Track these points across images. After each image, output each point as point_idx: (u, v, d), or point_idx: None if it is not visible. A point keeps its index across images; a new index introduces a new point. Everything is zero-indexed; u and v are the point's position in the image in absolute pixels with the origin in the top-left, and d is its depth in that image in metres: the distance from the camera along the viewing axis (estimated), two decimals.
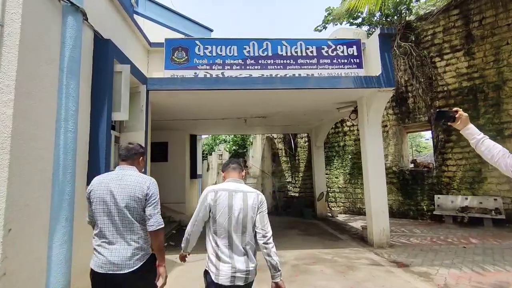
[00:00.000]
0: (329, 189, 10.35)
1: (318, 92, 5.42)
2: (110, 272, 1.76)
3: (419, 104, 8.41)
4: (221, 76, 5.36)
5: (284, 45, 5.58)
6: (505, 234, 5.98)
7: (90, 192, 1.89)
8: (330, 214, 9.64)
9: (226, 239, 1.84)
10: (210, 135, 18.50)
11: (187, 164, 9.62)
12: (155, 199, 1.89)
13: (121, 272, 1.77)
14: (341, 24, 10.36)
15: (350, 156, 10.07)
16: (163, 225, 1.94)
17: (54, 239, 2.62)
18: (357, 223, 8.05)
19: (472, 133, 1.72)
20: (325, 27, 10.79)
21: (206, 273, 1.89)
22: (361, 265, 4.48)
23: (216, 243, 1.86)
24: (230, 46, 5.48)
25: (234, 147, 14.17)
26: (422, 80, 8.27)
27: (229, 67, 5.44)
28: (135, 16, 6.77)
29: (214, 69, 5.41)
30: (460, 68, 7.67)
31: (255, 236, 1.91)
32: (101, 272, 1.78)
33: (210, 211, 1.88)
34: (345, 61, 5.64)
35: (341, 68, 5.60)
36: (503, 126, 6.81)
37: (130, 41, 4.77)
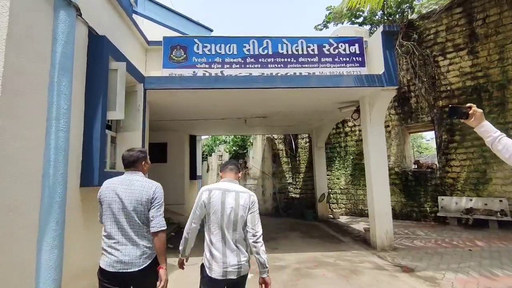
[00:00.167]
0: (330, 190, 10.21)
1: (320, 91, 5.29)
2: (120, 271, 1.89)
3: (421, 104, 8.29)
4: (220, 75, 5.25)
5: (285, 43, 5.46)
6: (511, 236, 5.84)
7: (100, 196, 2.04)
8: (331, 216, 9.50)
9: (219, 235, 1.97)
10: (210, 136, 18.38)
11: (186, 165, 9.50)
12: (159, 202, 2.02)
13: (130, 270, 1.89)
14: (342, 23, 10.25)
15: (351, 157, 9.93)
16: (165, 227, 2.02)
17: (43, 243, 2.50)
18: (359, 225, 7.91)
19: (487, 130, 1.60)
20: (326, 26, 10.67)
21: (202, 267, 2.02)
22: (364, 269, 4.34)
23: (210, 239, 1.99)
24: (229, 45, 5.36)
25: (234, 148, 14.04)
26: (425, 79, 8.15)
27: (228, 65, 5.32)
28: (134, 15, 6.67)
29: (213, 68, 5.30)
30: (463, 67, 7.55)
31: (245, 233, 2.03)
32: (112, 271, 1.90)
33: (205, 209, 2.01)
34: (347, 59, 5.52)
35: (343, 67, 5.48)
36: (509, 126, 6.67)
37: (127, 38, 4.66)
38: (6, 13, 2.27)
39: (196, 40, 5.35)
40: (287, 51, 5.45)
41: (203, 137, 15.62)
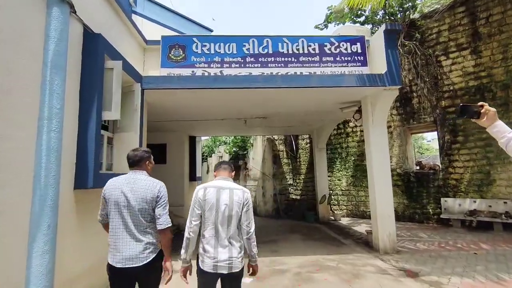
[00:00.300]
0: (331, 191, 10.10)
1: (321, 91, 5.19)
2: (126, 266, 1.99)
3: (424, 104, 8.17)
4: (219, 74, 5.15)
5: (285, 42, 5.37)
6: None
7: (105, 194, 2.12)
8: (332, 218, 9.38)
9: (212, 231, 2.05)
10: (210, 137, 18.28)
11: (186, 166, 9.40)
12: (164, 200, 2.14)
13: (135, 265, 1.99)
14: (343, 23, 10.15)
15: (353, 158, 9.82)
16: (170, 224, 2.16)
17: (34, 248, 2.40)
18: (361, 227, 7.80)
19: (501, 131, 1.49)
20: (326, 26, 10.58)
21: (197, 258, 2.12)
22: (367, 273, 4.23)
23: (204, 234, 2.07)
24: (229, 44, 5.27)
25: (234, 149, 13.94)
26: (427, 79, 8.04)
27: (228, 65, 5.23)
28: (133, 16, 6.58)
29: (213, 67, 5.21)
30: (466, 67, 7.44)
31: (239, 229, 2.12)
32: (119, 266, 2.00)
33: (201, 206, 2.09)
34: (349, 58, 5.42)
35: (345, 66, 5.39)
36: None
37: (124, 37, 4.57)
38: None
39: (195, 39, 5.26)
40: (287, 50, 5.36)
41: (203, 138, 15.53)
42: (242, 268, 2.10)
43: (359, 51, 5.45)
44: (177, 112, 6.49)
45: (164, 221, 2.08)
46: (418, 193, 8.12)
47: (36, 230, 2.42)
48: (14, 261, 2.28)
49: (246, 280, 3.94)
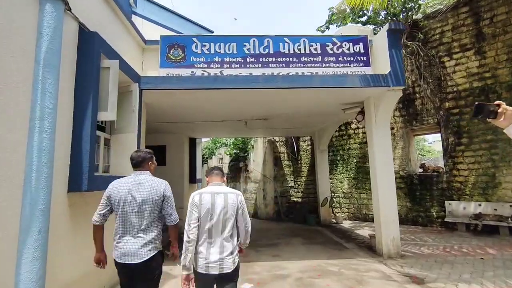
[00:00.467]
0: (333, 194, 9.97)
1: (323, 92, 5.09)
2: (126, 262, 2.12)
3: (427, 106, 8.06)
4: (219, 75, 5.06)
5: (286, 42, 5.27)
6: None
7: (110, 194, 2.20)
8: (334, 221, 9.25)
9: (207, 233, 2.14)
10: (210, 139, 18.19)
11: (186, 168, 9.29)
12: (171, 199, 2.30)
13: (134, 262, 2.11)
14: (345, 25, 10.07)
15: (355, 160, 9.70)
16: (179, 220, 2.37)
17: (24, 254, 2.29)
18: (363, 231, 7.67)
19: None
20: (328, 28, 10.49)
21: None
22: (371, 278, 4.10)
23: (199, 238, 2.14)
24: (229, 44, 5.17)
25: (235, 151, 13.83)
26: (430, 80, 7.93)
27: (228, 65, 5.13)
28: (133, 17, 6.51)
29: (212, 68, 5.11)
30: (470, 68, 7.33)
31: (237, 230, 2.27)
32: (120, 262, 2.14)
33: (198, 210, 2.16)
34: (351, 59, 5.32)
35: (347, 66, 5.28)
36: None
37: (122, 36, 4.48)
38: None
39: (194, 39, 5.17)
40: (289, 50, 5.26)
41: (203, 139, 15.44)
42: (235, 270, 2.16)
43: (362, 51, 5.35)
44: (177, 113, 6.40)
45: (174, 218, 2.31)
46: (421, 196, 7.98)
47: (26, 235, 2.31)
48: (2, 268, 2.17)
49: (246, 286, 3.82)
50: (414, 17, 8.51)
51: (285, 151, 11.57)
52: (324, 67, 5.25)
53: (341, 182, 10.08)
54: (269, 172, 11.24)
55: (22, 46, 2.42)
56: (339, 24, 10.13)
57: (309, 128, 9.12)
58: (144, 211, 2.17)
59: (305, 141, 11.13)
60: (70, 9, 2.98)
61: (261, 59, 5.20)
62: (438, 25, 7.94)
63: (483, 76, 7.11)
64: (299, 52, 5.27)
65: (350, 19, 9.44)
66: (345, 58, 5.31)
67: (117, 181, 2.26)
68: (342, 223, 9.04)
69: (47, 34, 2.58)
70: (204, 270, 2.08)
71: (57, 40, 2.67)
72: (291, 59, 5.24)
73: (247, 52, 5.20)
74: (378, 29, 8.72)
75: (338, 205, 10.02)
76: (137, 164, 2.32)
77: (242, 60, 5.17)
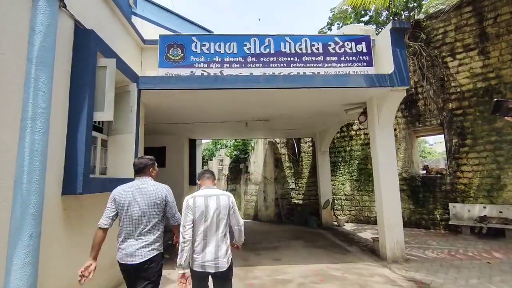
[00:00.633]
0: (334, 196, 9.84)
1: (325, 92, 4.99)
2: (127, 262, 2.22)
3: (430, 107, 7.95)
4: (219, 74, 4.96)
5: (288, 41, 5.18)
6: None
7: (115, 199, 2.30)
8: (336, 223, 9.12)
9: (202, 234, 2.27)
10: (211, 140, 18.10)
11: (185, 170, 9.20)
12: (173, 203, 2.44)
13: (135, 262, 2.21)
14: (346, 25, 9.99)
15: (357, 162, 9.58)
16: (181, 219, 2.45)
17: (14, 260, 2.19)
18: (366, 233, 7.55)
19: None
20: (330, 29, 10.41)
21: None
22: (375, 283, 3.98)
23: (194, 238, 2.26)
24: (229, 43, 5.08)
25: (235, 152, 13.73)
26: (433, 81, 7.83)
27: (228, 65, 5.04)
28: (133, 17, 6.43)
29: (212, 67, 5.02)
30: (474, 68, 7.23)
31: (229, 229, 2.41)
32: (122, 263, 2.25)
33: (193, 212, 2.29)
34: (354, 58, 5.22)
35: (350, 66, 5.19)
36: None
37: (120, 36, 4.39)
38: None
39: (194, 38, 5.08)
40: (290, 50, 5.17)
41: (203, 141, 15.34)
42: (230, 267, 2.31)
43: (365, 50, 5.25)
44: (176, 114, 6.30)
45: (177, 218, 2.44)
46: (424, 198, 7.86)
47: (17, 240, 2.21)
48: None
49: None
50: (416, 17, 8.43)
51: (286, 152, 11.47)
52: (326, 67, 5.16)
53: (342, 184, 9.96)
54: (270, 174, 11.13)
55: (13, 43, 2.32)
56: (340, 25, 10.06)
57: (310, 129, 9.02)
58: (146, 215, 2.27)
59: (306, 143, 11.02)
60: (65, 6, 2.89)
61: (262, 59, 5.11)
62: (440, 25, 7.85)
63: (487, 76, 7.01)
64: (300, 51, 5.17)
65: (351, 19, 9.35)
66: (347, 57, 5.22)
67: (121, 186, 2.37)
68: (344, 225, 8.91)
69: (40, 31, 2.49)
70: (200, 268, 2.22)
71: (51, 37, 2.57)
72: (292, 58, 5.15)
73: (247, 51, 5.11)
74: (380, 30, 8.64)
75: (339, 207, 9.90)
76: (139, 170, 2.42)
77: (243, 60, 5.08)
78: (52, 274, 2.72)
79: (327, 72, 5.11)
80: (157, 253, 2.30)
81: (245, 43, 5.12)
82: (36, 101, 2.41)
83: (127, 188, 2.33)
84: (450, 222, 7.06)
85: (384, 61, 5.12)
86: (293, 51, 5.16)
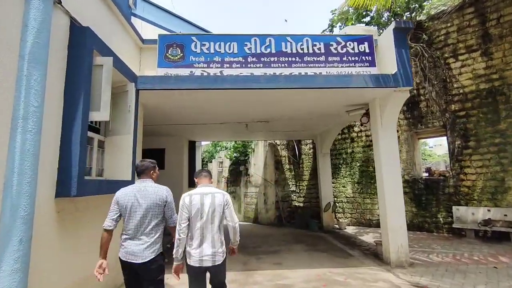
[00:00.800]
0: (336, 199, 9.73)
1: (326, 93, 4.90)
2: (130, 260, 2.31)
3: (432, 108, 7.86)
4: (219, 75, 4.87)
5: (289, 41, 5.09)
6: None
7: (119, 201, 2.39)
8: (337, 226, 9.00)
9: (198, 230, 2.39)
10: (211, 142, 18.00)
11: (185, 171, 9.08)
12: (172, 204, 2.50)
13: (138, 262, 2.30)
14: (348, 25, 9.92)
15: (358, 164, 9.47)
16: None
17: (2, 266, 2.07)
18: (368, 237, 7.42)
19: None
20: (331, 31, 10.34)
21: (185, 256, 2.45)
22: None
23: (191, 235, 2.41)
24: (229, 43, 5.00)
25: (235, 154, 13.62)
26: (436, 82, 7.75)
27: (228, 65, 4.95)
28: (133, 18, 6.36)
29: (212, 67, 4.93)
30: (477, 69, 7.14)
31: (223, 226, 2.50)
32: (124, 260, 2.34)
33: (188, 210, 2.41)
34: (356, 58, 5.14)
35: (352, 67, 5.10)
36: None
37: (118, 35, 4.30)
38: None
39: (193, 38, 5.00)
40: (291, 49, 5.08)
41: (203, 143, 15.24)
42: (224, 260, 2.46)
43: (367, 50, 5.17)
44: (175, 115, 6.20)
45: (174, 220, 2.49)
46: (427, 201, 7.75)
47: (5, 246, 2.10)
48: None
49: None
50: (418, 18, 8.36)
51: (287, 154, 11.37)
52: (328, 67, 5.07)
53: (344, 187, 9.85)
54: (270, 176, 11.01)
55: (5, 39, 2.23)
56: (342, 26, 9.99)
57: (311, 131, 8.92)
58: (148, 215, 2.36)
59: (306, 145, 10.92)
60: (60, 2, 2.80)
61: (262, 59, 5.02)
62: (442, 26, 7.78)
63: (490, 77, 6.93)
64: (302, 51, 5.09)
65: (353, 20, 9.29)
66: (349, 58, 5.13)
67: (124, 188, 2.46)
68: (345, 228, 8.79)
69: (33, 27, 2.39)
70: (198, 263, 2.36)
71: (45, 34, 2.48)
72: (293, 58, 5.06)
73: (248, 51, 5.03)
74: (381, 31, 8.57)
75: (341, 210, 9.78)
76: (141, 172, 2.52)
77: (243, 60, 4.99)
78: (45, 278, 2.61)
79: (329, 72, 5.02)
80: (158, 253, 2.39)
81: (245, 43, 5.04)
82: (28, 100, 2.30)
83: (130, 191, 2.42)
84: (453, 225, 6.95)
85: (387, 61, 5.04)
86: (294, 51, 5.08)
